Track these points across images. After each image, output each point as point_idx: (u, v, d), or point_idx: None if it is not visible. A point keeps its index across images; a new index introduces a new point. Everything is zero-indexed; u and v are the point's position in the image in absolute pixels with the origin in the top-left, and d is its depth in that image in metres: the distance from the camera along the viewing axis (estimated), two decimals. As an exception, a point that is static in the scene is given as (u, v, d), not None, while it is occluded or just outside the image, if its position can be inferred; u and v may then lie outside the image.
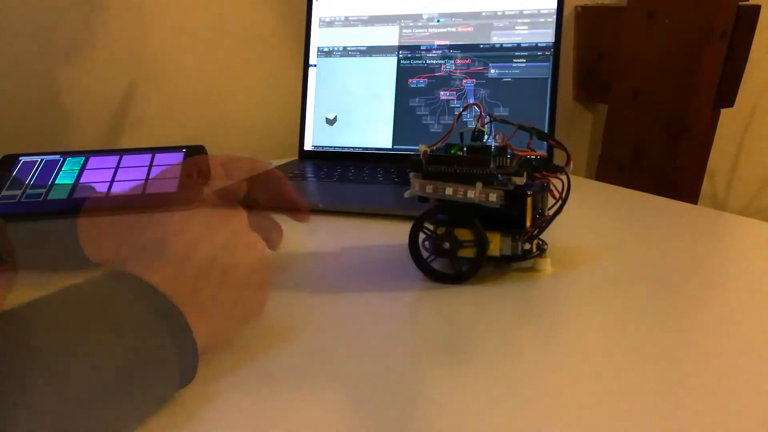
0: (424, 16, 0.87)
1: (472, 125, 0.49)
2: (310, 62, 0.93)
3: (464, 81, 0.85)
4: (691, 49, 1.04)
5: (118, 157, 0.82)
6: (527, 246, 0.48)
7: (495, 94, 0.83)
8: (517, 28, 0.83)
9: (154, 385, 0.29)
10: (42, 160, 0.81)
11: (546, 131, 0.77)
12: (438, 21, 0.87)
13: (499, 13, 0.84)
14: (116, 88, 0.99)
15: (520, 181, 0.46)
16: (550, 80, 0.81)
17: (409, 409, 0.31)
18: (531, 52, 0.82)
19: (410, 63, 0.87)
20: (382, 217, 0.65)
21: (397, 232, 0.60)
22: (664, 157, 1.10)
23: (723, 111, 1.13)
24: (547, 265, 0.49)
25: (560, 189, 0.48)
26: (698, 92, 1.06)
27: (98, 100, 0.98)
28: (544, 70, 0.82)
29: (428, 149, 0.47)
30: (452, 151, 0.47)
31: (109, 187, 0.74)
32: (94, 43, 0.96)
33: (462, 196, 0.45)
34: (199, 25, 1.02)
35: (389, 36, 0.89)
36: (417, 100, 0.86)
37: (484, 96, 0.84)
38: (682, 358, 0.35)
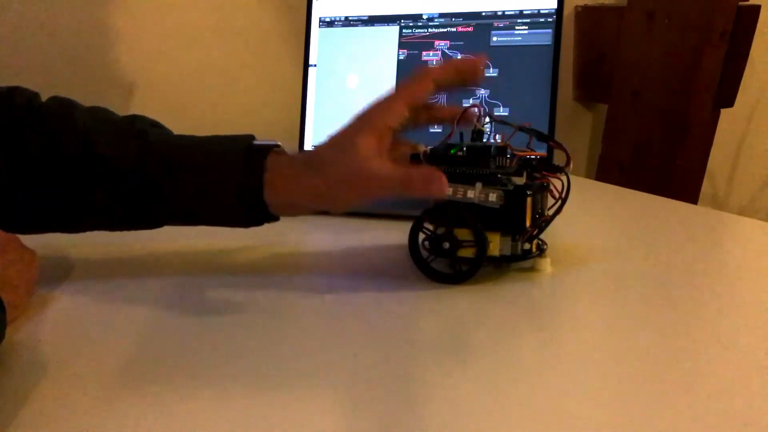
0: (424, 16, 0.87)
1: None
2: (310, 62, 0.93)
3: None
4: (691, 49, 1.04)
5: (118, 157, 0.82)
6: (527, 246, 0.48)
7: (495, 94, 0.83)
8: (517, 28, 0.83)
9: None
10: (42, 160, 0.81)
11: (546, 131, 0.77)
12: (438, 21, 0.87)
13: (499, 14, 0.84)
14: (116, 88, 0.99)
15: (520, 181, 0.46)
16: (550, 80, 0.81)
17: (408, 409, 0.31)
18: (531, 51, 0.82)
19: (411, 62, 0.87)
20: (382, 217, 0.65)
21: (397, 232, 0.60)
22: (664, 157, 1.10)
23: (723, 111, 1.13)
24: (547, 265, 0.49)
25: (560, 189, 0.48)
26: (698, 92, 1.06)
27: (98, 101, 0.98)
28: (543, 69, 0.82)
29: (428, 149, 0.47)
30: (452, 151, 0.47)
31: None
32: (93, 43, 0.96)
33: (462, 196, 0.45)
34: (198, 25, 1.02)
35: (389, 35, 0.89)
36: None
37: (484, 96, 0.84)
38: (683, 358, 0.35)
